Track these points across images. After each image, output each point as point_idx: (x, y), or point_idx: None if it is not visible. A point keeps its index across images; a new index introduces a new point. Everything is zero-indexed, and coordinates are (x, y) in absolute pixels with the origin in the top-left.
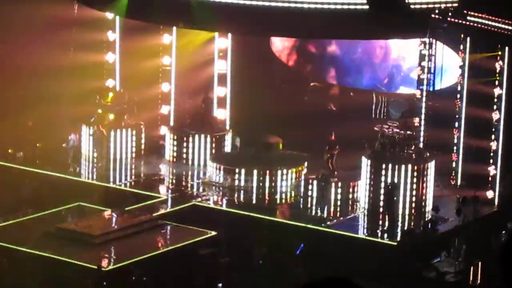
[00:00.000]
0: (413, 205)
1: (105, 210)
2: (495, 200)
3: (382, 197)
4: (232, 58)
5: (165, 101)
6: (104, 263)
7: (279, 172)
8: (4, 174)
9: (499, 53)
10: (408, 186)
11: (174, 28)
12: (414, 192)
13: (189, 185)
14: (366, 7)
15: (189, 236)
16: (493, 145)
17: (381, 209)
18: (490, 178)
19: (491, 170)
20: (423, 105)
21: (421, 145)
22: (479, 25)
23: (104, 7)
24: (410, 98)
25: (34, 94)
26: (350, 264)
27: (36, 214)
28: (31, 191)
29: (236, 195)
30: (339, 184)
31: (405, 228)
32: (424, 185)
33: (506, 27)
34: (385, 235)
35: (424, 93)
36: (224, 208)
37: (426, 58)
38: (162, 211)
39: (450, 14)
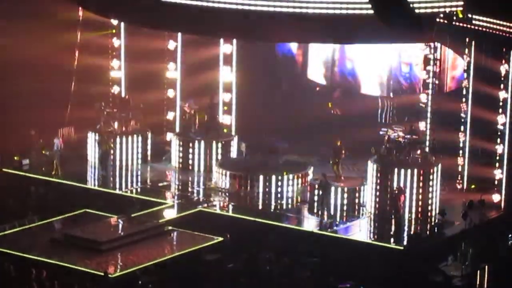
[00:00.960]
0: (420, 209)
1: (112, 217)
2: (502, 204)
3: (388, 201)
4: (237, 64)
5: (171, 106)
6: (111, 269)
7: (285, 177)
8: (11, 181)
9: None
10: (414, 190)
11: (179, 34)
12: (420, 196)
13: (195, 191)
14: (371, 11)
15: (195, 242)
16: (499, 148)
17: (387, 213)
18: (496, 182)
19: (497, 173)
20: (429, 109)
21: (427, 149)
22: (484, 29)
23: (109, 13)
24: (415, 102)
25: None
26: (357, 269)
27: (42, 221)
28: (38, 198)
29: (242, 200)
30: (345, 189)
31: (412, 232)
32: (430, 189)
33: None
34: (392, 239)
35: (430, 97)
36: (230, 213)
37: (431, 62)
38: (168, 217)
39: (455, 18)
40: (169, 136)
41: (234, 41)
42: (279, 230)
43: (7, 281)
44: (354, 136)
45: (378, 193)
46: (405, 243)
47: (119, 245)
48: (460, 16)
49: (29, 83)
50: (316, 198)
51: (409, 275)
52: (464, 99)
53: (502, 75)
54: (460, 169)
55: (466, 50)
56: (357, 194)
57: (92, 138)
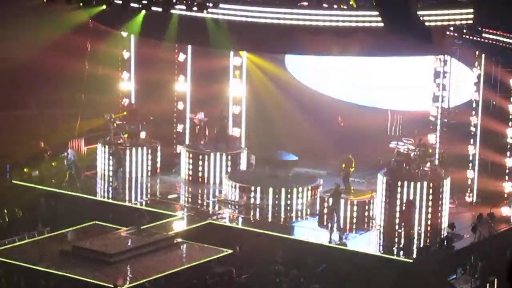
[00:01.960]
0: (429, 222)
1: (121, 229)
2: (511, 217)
3: (398, 214)
4: (247, 76)
5: (180, 118)
6: (120, 281)
7: (295, 190)
8: (20, 193)
9: None
10: (424, 203)
11: (189, 46)
12: (429, 209)
13: (204, 203)
14: (381, 24)
15: (205, 254)
16: (509, 161)
17: (397, 226)
18: (506, 195)
19: (507, 186)
20: (439, 122)
21: (436, 162)
22: (494, 42)
23: (119, 26)
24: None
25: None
26: (366, 281)
27: (52, 233)
28: (47, 210)
29: (251, 213)
30: (355, 202)
31: (421, 245)
32: (440, 202)
33: None
34: (401, 252)
35: (439, 110)
36: (240, 226)
37: (441, 75)
38: (177, 230)
39: (464, 31)
40: (179, 148)
41: (244, 53)
42: (288, 242)
43: None
44: (364, 149)
45: (387, 206)
46: (414, 256)
47: (128, 257)
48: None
49: (39, 94)
50: (326, 210)
51: None
52: (474, 112)
53: None
54: (469, 182)
55: (476, 63)
56: (366, 207)
57: (101, 150)
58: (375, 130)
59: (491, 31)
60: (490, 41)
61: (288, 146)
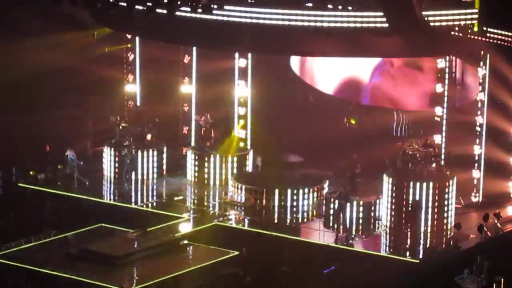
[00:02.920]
0: (435, 222)
1: (127, 231)
2: None
3: (404, 215)
4: (252, 78)
5: (186, 120)
6: (127, 284)
7: (301, 191)
8: (26, 196)
9: None
10: (430, 203)
11: (194, 48)
12: (436, 210)
13: (211, 205)
14: (386, 24)
15: (211, 256)
16: None
17: (403, 227)
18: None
19: None
20: (444, 122)
21: (442, 162)
22: (499, 42)
23: (123, 28)
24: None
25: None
26: (373, 282)
27: (58, 236)
28: (53, 213)
29: (257, 214)
30: (361, 202)
31: (427, 245)
32: (446, 202)
33: None
34: (408, 253)
35: (445, 110)
36: (246, 227)
37: (446, 75)
38: (184, 231)
39: (469, 31)
40: (185, 150)
41: (249, 55)
42: (294, 244)
43: None
44: (370, 149)
45: (393, 207)
46: (420, 256)
47: (134, 260)
48: (476, 29)
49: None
50: (332, 211)
51: None
52: (479, 112)
53: None
54: (475, 182)
55: (481, 63)
56: (372, 208)
57: (107, 152)
58: (381, 130)
59: (496, 30)
60: (495, 41)
61: (294, 147)
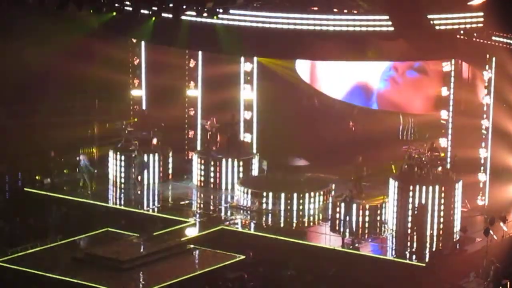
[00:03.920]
0: (441, 226)
1: (133, 235)
2: None
3: (410, 218)
4: (258, 81)
5: (192, 124)
6: None
7: (307, 195)
8: (32, 201)
9: None
10: (436, 207)
11: (200, 52)
12: (442, 213)
13: (217, 209)
14: (392, 28)
15: (217, 260)
16: None
17: (409, 230)
18: None
19: None
20: (450, 125)
21: (448, 166)
22: (505, 45)
23: (129, 33)
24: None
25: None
26: (379, 286)
27: (64, 240)
28: (59, 217)
29: (264, 218)
30: (367, 206)
31: (434, 249)
32: (452, 205)
33: None
34: (414, 256)
35: (451, 114)
36: (252, 231)
37: (452, 78)
38: (190, 236)
39: (475, 34)
40: (191, 154)
41: (255, 59)
42: (300, 248)
43: None
44: (375, 153)
45: (399, 210)
46: (427, 260)
47: (140, 264)
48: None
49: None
50: (338, 215)
51: None
52: (485, 115)
53: None
54: (481, 185)
55: (487, 66)
56: (378, 212)
57: (113, 157)
58: (387, 134)
59: (501, 34)
60: (501, 44)
61: (300, 151)
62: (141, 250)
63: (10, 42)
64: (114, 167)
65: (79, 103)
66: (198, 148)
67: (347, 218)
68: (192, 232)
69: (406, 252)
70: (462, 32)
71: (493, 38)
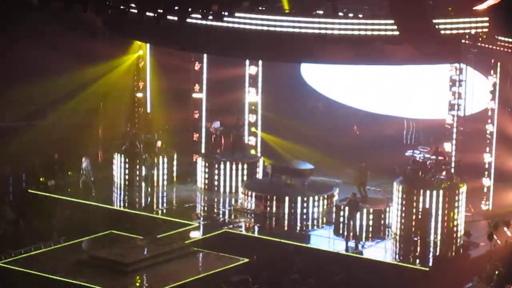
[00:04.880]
0: (445, 230)
1: (137, 238)
2: None
3: (414, 223)
4: (263, 85)
5: (196, 127)
6: None
7: (311, 198)
8: (36, 202)
9: None
10: (440, 211)
11: (205, 55)
12: (445, 217)
13: (220, 212)
14: (397, 32)
15: (221, 263)
16: None
17: (413, 235)
18: None
19: None
20: (454, 130)
21: (452, 170)
22: (510, 50)
23: (133, 36)
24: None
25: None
26: None
27: (68, 242)
28: (63, 219)
29: (267, 222)
30: (371, 210)
31: (437, 253)
32: (456, 210)
33: None
34: (417, 261)
35: (455, 118)
36: (256, 235)
37: (457, 83)
38: (194, 238)
39: (480, 39)
40: (195, 157)
41: (260, 62)
42: (304, 251)
43: None
44: (379, 157)
45: (403, 214)
46: (430, 264)
47: (144, 266)
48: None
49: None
50: (341, 219)
51: None
52: (489, 120)
53: None
54: (485, 190)
55: (492, 71)
56: (382, 216)
57: (118, 159)
58: (391, 138)
59: (506, 39)
60: (506, 49)
61: (304, 155)
62: (145, 253)
63: (16, 43)
64: (118, 170)
65: (84, 105)
66: (203, 151)
67: (351, 222)
68: (196, 234)
69: (410, 256)
70: (467, 37)
71: (498, 43)
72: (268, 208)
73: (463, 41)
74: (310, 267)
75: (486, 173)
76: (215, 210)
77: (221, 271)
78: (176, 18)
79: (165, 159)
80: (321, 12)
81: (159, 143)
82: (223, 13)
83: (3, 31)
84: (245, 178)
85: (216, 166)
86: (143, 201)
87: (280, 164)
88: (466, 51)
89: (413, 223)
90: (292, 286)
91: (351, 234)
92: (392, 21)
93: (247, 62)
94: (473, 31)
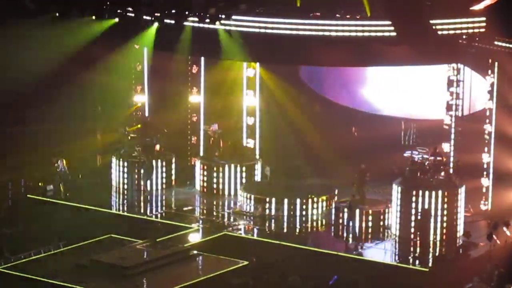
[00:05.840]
0: (445, 231)
1: (137, 242)
2: None
3: (413, 223)
4: (261, 87)
5: (195, 131)
6: None
7: (310, 200)
8: (35, 207)
9: None
10: (439, 212)
11: (202, 58)
12: (445, 218)
13: (220, 215)
14: (394, 33)
15: (220, 266)
16: None
17: (412, 235)
18: None
19: None
20: (453, 130)
21: (451, 170)
22: (507, 50)
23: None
24: (438, 124)
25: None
26: None
27: (67, 247)
28: (62, 224)
29: (267, 224)
30: (370, 211)
31: (437, 254)
32: (455, 210)
33: None
34: (417, 261)
35: (453, 119)
36: (255, 237)
37: (455, 83)
38: (193, 241)
39: (477, 39)
40: (194, 160)
41: (257, 64)
42: (304, 253)
43: None
44: (378, 158)
45: (402, 215)
46: (430, 265)
47: (144, 270)
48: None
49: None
50: (341, 221)
51: None
52: (487, 120)
53: None
54: (484, 190)
55: (489, 71)
56: (382, 217)
57: (115, 163)
58: (390, 139)
59: (504, 39)
60: (503, 49)
61: (303, 157)
62: (145, 256)
63: (15, 48)
64: (117, 173)
65: (82, 109)
66: (201, 154)
67: (350, 223)
68: (195, 238)
69: (410, 257)
70: (464, 37)
71: (496, 43)
72: (267, 210)
73: (460, 41)
74: (310, 269)
75: (485, 173)
76: (214, 213)
77: (221, 274)
78: (173, 22)
79: (164, 163)
80: (318, 14)
81: (157, 147)
82: (220, 16)
83: (3, 36)
84: (243, 180)
85: (215, 169)
86: (142, 204)
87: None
88: (464, 51)
89: (413, 224)
90: None
91: (351, 235)
92: (390, 22)
93: (245, 65)
94: (470, 31)
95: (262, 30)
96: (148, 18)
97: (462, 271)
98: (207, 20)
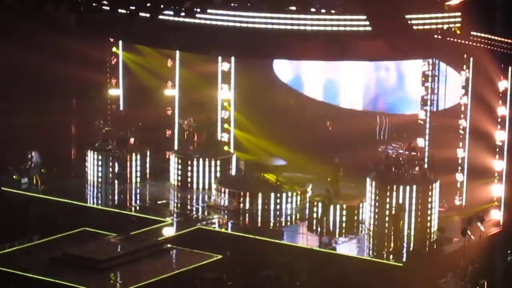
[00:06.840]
0: (419, 225)
1: (111, 235)
2: (501, 220)
3: (387, 218)
4: (236, 81)
5: (169, 124)
6: None
7: (284, 194)
8: (10, 200)
9: None
10: (413, 207)
11: (178, 52)
12: (419, 213)
13: (194, 208)
14: (369, 28)
15: (194, 260)
16: (498, 164)
17: (386, 230)
18: (495, 198)
19: (497, 190)
20: (427, 125)
21: (425, 165)
22: (482, 45)
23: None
24: (413, 119)
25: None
26: (356, 286)
27: (42, 240)
28: (37, 217)
29: (241, 218)
30: (344, 205)
31: (411, 249)
32: (429, 205)
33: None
34: (391, 256)
35: (428, 114)
36: (229, 231)
37: (430, 78)
38: (167, 235)
39: (452, 34)
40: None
41: (232, 58)
42: (278, 247)
43: None
44: (353, 153)
45: (377, 210)
46: (404, 260)
47: (118, 264)
48: (458, 32)
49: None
50: (315, 215)
51: None
52: (462, 115)
53: (501, 91)
54: (459, 185)
55: (464, 66)
56: (356, 211)
57: (91, 157)
58: (364, 134)
59: (478, 34)
60: (478, 44)
61: (277, 151)
62: (119, 250)
63: None
64: (91, 167)
65: (56, 102)
66: (176, 147)
67: (324, 218)
68: (169, 231)
69: (384, 252)
70: (439, 32)
71: (471, 37)
72: (242, 205)
73: (435, 36)
74: (284, 263)
75: (460, 168)
76: (189, 207)
77: (195, 268)
78: (148, 15)
79: (138, 156)
80: (293, 8)
81: (132, 140)
82: (195, 9)
83: None
84: (218, 174)
85: (189, 162)
86: (116, 198)
87: (252, 161)
88: (439, 46)
89: (387, 219)
90: (266, 283)
91: (325, 230)
92: (365, 17)
93: (220, 58)
94: (445, 26)
95: (237, 24)
96: (123, 11)
97: (436, 266)
98: (182, 14)
